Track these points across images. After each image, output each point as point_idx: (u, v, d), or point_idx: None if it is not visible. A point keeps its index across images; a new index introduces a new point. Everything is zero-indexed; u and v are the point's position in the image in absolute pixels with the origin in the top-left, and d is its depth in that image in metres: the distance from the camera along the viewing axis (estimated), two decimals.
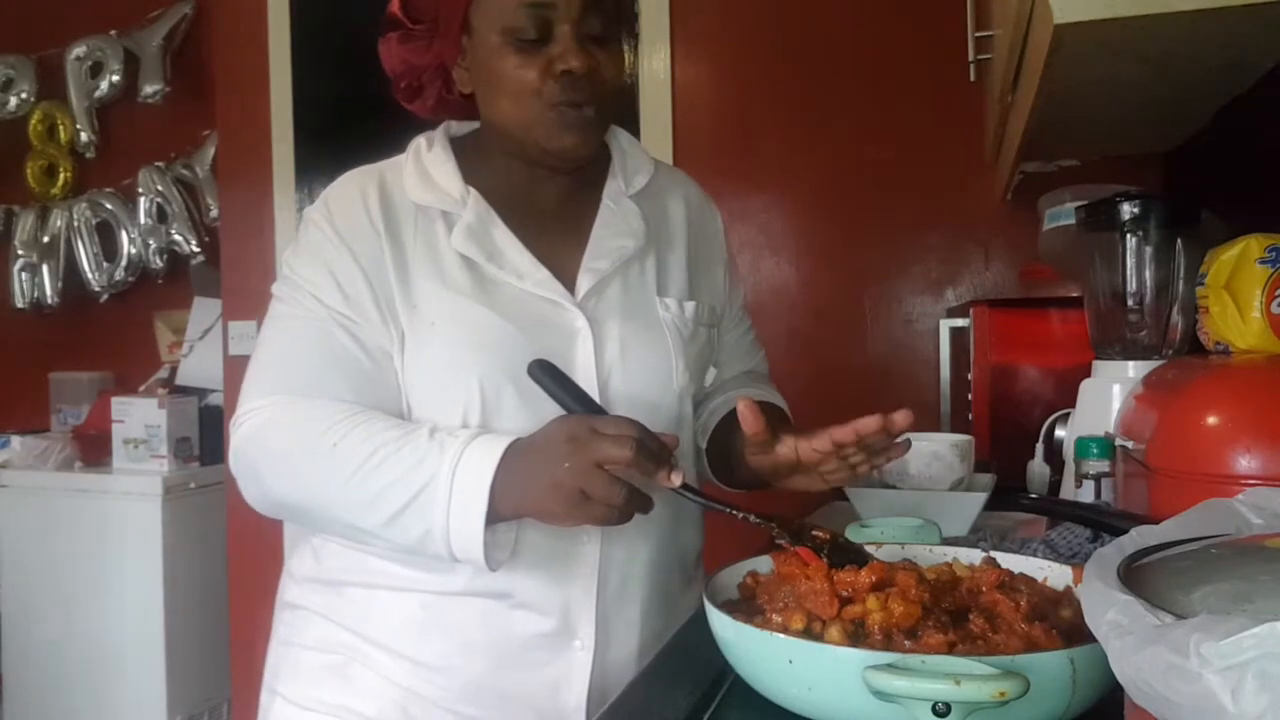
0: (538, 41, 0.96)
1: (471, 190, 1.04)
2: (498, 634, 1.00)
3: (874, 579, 0.73)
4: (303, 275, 1.01)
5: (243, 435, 0.98)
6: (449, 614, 1.00)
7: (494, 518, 0.89)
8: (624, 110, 2.34)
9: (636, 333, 1.05)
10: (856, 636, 0.70)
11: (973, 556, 0.84)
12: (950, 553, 0.86)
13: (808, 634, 0.71)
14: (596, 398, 0.96)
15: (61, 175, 3.48)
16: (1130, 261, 1.18)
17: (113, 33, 3.33)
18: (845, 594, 0.73)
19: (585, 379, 1.00)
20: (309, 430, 0.94)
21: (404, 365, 1.00)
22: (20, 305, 3.48)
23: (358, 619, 1.03)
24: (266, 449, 0.97)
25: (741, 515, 0.88)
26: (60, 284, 3.44)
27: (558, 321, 1.02)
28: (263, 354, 1.02)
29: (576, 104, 0.98)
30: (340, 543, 1.03)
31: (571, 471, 0.85)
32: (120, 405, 3.00)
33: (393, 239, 1.01)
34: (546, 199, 1.08)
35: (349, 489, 0.91)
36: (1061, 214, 1.72)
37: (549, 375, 0.93)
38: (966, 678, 0.57)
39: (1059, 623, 0.71)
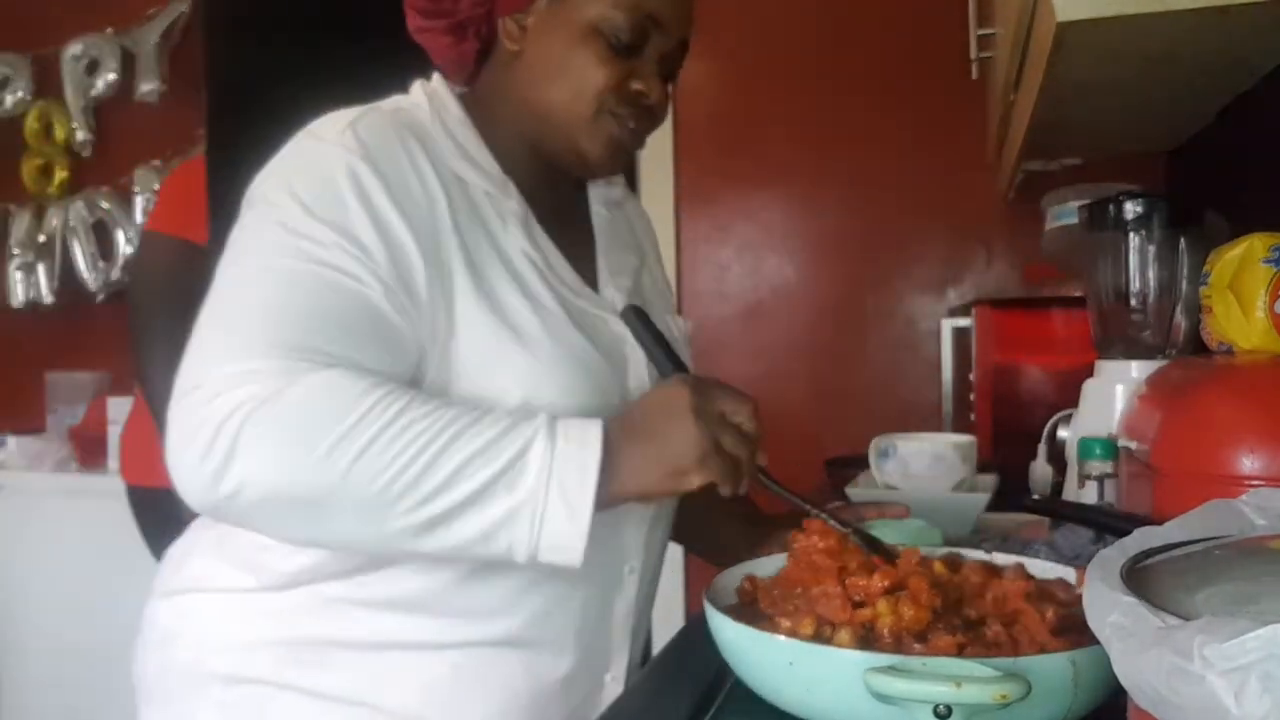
0: (626, 49, 0.91)
1: (508, 178, 0.92)
2: (539, 681, 0.91)
3: (886, 583, 0.72)
4: (324, 218, 0.80)
5: (234, 403, 0.73)
6: (486, 669, 0.88)
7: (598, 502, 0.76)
8: None
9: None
10: (867, 640, 0.69)
11: (975, 558, 0.83)
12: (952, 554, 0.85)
13: (819, 639, 0.70)
14: None
15: (57, 174, 3.47)
16: (1133, 261, 1.17)
17: (109, 31, 3.32)
18: (858, 598, 0.72)
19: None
20: (353, 401, 0.74)
21: (456, 368, 0.85)
22: (16, 305, 3.47)
23: (362, 687, 0.86)
24: (282, 424, 0.73)
25: (816, 513, 0.83)
26: (56, 283, 3.42)
27: (612, 342, 0.94)
28: (255, 300, 0.78)
29: (630, 126, 0.94)
30: (313, 596, 0.87)
31: (706, 421, 0.79)
32: (118, 406, 2.99)
33: (453, 215, 0.86)
34: (544, 197, 0.97)
35: (411, 469, 0.73)
36: (1064, 213, 1.71)
37: (643, 323, 0.91)
38: (967, 680, 0.57)
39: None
